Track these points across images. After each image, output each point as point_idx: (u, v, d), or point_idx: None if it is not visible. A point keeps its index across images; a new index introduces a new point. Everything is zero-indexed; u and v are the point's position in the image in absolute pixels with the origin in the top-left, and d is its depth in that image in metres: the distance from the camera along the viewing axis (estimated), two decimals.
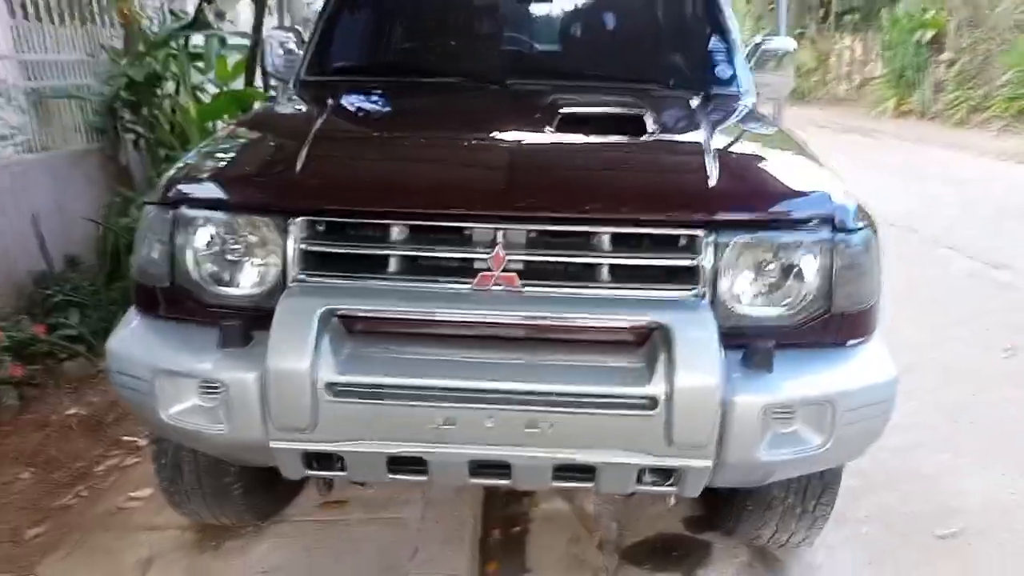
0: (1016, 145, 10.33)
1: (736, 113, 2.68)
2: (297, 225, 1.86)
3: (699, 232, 1.82)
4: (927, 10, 14.50)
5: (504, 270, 1.82)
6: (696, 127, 2.33)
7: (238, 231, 1.91)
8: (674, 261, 1.82)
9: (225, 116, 4.95)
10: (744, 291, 1.86)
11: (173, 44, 4.98)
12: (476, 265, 1.84)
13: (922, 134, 12.81)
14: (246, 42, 5.22)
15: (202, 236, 1.92)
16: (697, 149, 2.07)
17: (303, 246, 1.85)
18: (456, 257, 1.84)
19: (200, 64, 5.18)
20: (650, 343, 1.78)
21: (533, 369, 1.77)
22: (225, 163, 2.09)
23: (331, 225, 1.88)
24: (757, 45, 3.21)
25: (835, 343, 1.90)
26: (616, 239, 1.83)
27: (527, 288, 1.82)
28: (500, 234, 1.83)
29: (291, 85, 3.02)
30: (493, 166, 1.97)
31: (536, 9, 3.37)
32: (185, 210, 1.92)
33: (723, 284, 1.83)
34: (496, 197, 1.85)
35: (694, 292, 1.82)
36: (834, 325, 1.88)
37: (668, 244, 1.85)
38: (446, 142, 2.18)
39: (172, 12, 5.86)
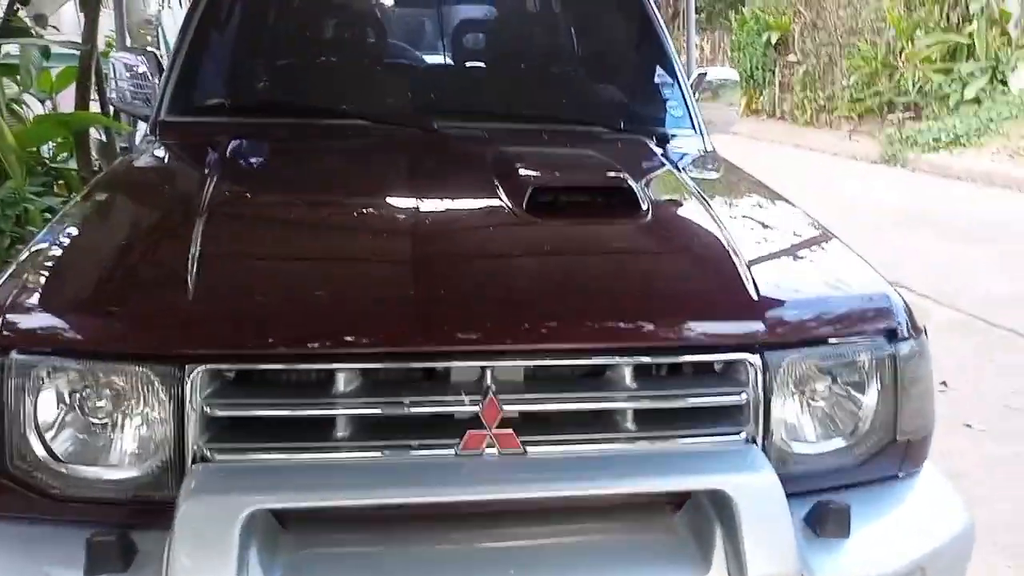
0: (867, 146, 10.83)
1: (711, 166, 2.31)
2: (198, 377, 1.28)
3: (745, 355, 1.41)
4: (766, 13, 15.04)
5: (499, 424, 1.33)
6: (688, 194, 1.93)
7: (105, 385, 1.31)
8: (719, 397, 1.40)
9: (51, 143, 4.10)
10: (798, 425, 1.47)
11: None
12: (457, 416, 1.34)
13: (776, 134, 13.25)
14: (76, 52, 4.35)
15: (50, 395, 1.30)
16: (713, 235, 1.66)
17: (208, 408, 1.28)
18: (432, 412, 1.33)
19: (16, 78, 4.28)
20: (689, 508, 1.37)
21: (546, 562, 1.31)
22: (78, 277, 1.46)
23: (246, 374, 1.33)
24: (701, 76, 2.87)
25: (895, 476, 1.56)
26: (638, 371, 1.39)
27: (530, 448, 1.34)
28: (489, 374, 1.34)
29: (149, 130, 2.36)
30: (471, 276, 1.48)
31: (459, 35, 2.86)
32: (20, 356, 1.29)
33: (775, 419, 1.43)
34: (484, 322, 1.36)
35: (742, 434, 1.41)
36: (897, 454, 1.53)
37: (703, 373, 1.44)
38: (394, 236, 1.64)
39: None
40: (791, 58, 14.54)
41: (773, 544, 1.28)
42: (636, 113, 2.63)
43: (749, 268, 1.53)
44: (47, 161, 4.83)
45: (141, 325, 1.33)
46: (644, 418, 1.38)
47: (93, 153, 4.74)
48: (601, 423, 1.38)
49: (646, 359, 1.38)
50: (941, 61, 11.05)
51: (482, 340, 1.34)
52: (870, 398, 1.49)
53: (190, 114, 2.39)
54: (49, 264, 1.46)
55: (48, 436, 1.30)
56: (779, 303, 1.47)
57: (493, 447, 1.32)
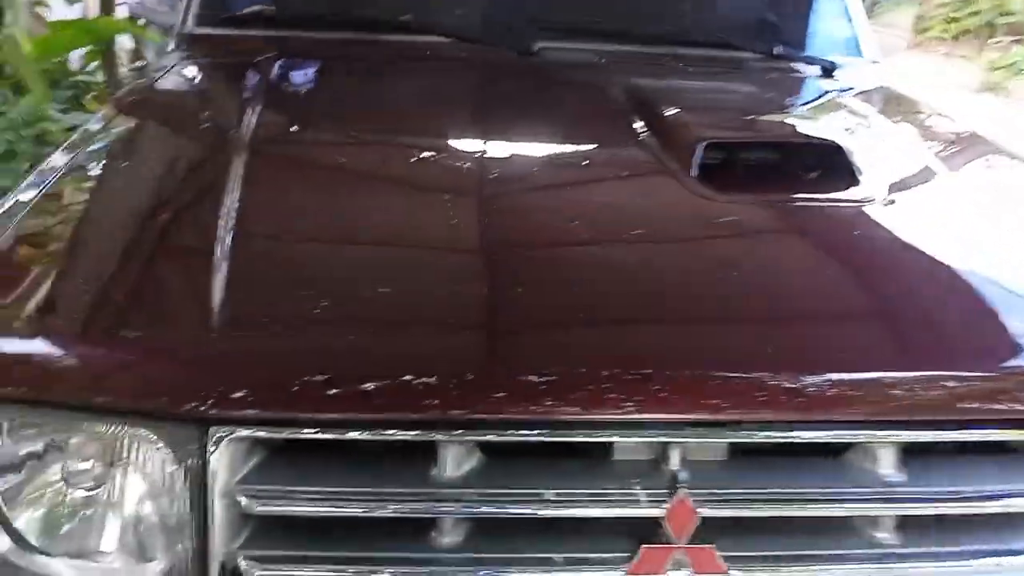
0: (966, 71, 9.79)
1: (911, 109, 1.74)
2: (225, 448, 0.82)
3: None
4: None
5: (693, 534, 0.85)
6: (909, 157, 1.38)
7: (86, 451, 0.86)
8: None
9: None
10: None
11: None
12: (626, 520, 0.87)
13: None
14: None
15: (9, 459, 0.86)
16: (983, 229, 1.13)
17: (243, 497, 0.82)
18: (586, 514, 0.86)
19: None
20: None
21: None
22: (42, 280, 0.97)
23: (299, 446, 0.86)
24: None
25: None
26: (906, 453, 0.90)
27: (737, 574, 0.86)
28: (676, 454, 0.86)
29: (173, 43, 1.86)
30: (634, 292, 0.96)
31: None
32: None
33: None
34: (663, 370, 0.86)
35: None
36: None
37: (1011, 458, 0.93)
38: (519, 222, 1.11)
39: None
40: None
41: None
42: (794, 36, 2.02)
43: None
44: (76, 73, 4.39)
45: (133, 361, 0.86)
46: (914, 528, 0.89)
47: (124, 65, 4.28)
48: (842, 534, 0.89)
49: (923, 434, 0.88)
50: None
51: (662, 400, 0.85)
52: None
53: (226, 25, 1.87)
54: (3, 257, 0.99)
55: (11, 515, 0.87)
56: None
57: (683, 569, 0.85)
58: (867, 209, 1.13)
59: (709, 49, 1.87)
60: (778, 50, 1.88)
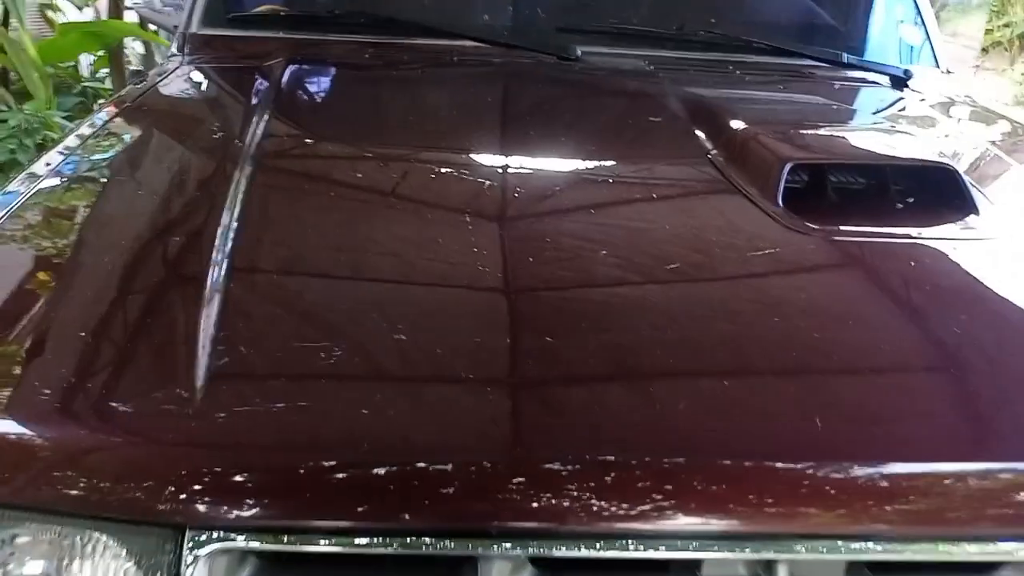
0: (997, 85, 9.53)
1: (1004, 124, 1.54)
2: (207, 560, 0.64)
3: None
4: None
5: None
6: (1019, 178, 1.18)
7: (29, 559, 0.68)
8: None
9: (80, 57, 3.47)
10: None
11: None
12: None
13: None
14: None
15: None
16: None
17: None
18: None
19: None
20: None
21: None
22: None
23: (298, 558, 0.67)
24: None
25: None
26: None
27: None
28: (784, 574, 0.67)
29: (175, 47, 1.69)
30: (727, 371, 0.75)
31: None
32: None
33: None
34: (773, 478, 0.66)
35: None
36: None
37: None
38: (569, 273, 0.86)
39: None
40: None
41: None
42: (861, 42, 1.83)
43: None
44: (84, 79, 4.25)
45: (86, 447, 0.67)
46: None
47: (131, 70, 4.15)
48: None
49: None
50: None
51: (765, 506, 0.65)
52: None
53: (234, 25, 1.70)
54: None
55: None
56: None
57: None
58: (997, 246, 0.93)
59: (766, 56, 1.67)
60: (846, 58, 1.69)
